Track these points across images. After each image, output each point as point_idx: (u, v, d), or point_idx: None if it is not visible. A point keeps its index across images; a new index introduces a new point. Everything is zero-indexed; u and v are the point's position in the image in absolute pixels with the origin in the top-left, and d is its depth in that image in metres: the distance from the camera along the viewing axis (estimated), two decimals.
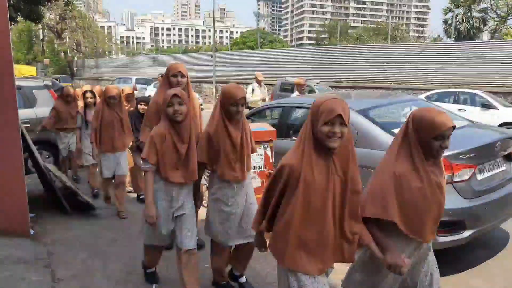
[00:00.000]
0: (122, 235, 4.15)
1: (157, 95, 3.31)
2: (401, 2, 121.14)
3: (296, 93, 8.26)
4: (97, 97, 5.71)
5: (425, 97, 12.08)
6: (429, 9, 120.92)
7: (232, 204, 2.76)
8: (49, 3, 16.89)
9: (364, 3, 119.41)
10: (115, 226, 4.38)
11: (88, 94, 5.55)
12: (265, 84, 10.12)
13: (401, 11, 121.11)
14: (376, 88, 17.90)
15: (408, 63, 18.02)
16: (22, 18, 16.53)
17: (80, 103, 5.94)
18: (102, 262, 3.51)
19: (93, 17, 46.92)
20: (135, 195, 5.49)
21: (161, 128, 2.67)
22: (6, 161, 3.50)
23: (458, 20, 32.25)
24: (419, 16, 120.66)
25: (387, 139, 3.59)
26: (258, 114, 5.58)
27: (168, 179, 2.67)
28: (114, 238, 4.06)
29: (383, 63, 18.85)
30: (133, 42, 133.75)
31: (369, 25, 65.53)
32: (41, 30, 42.07)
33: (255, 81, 9.49)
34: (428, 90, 14.10)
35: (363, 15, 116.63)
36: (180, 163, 2.66)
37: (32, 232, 3.89)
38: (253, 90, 9.45)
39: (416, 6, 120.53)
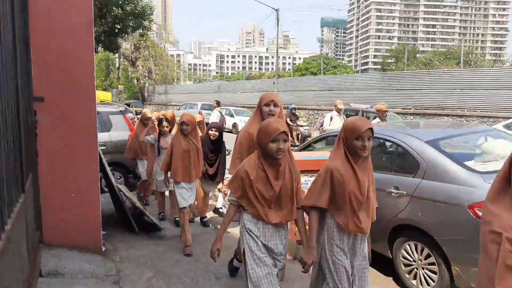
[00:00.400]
0: (186, 257, 4.26)
1: (250, 126, 3.20)
2: (475, 24, 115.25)
3: (377, 120, 7.73)
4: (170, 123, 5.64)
5: (503, 126, 11.19)
6: (508, 31, 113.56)
7: (349, 257, 2.49)
8: (126, 35, 18.33)
9: (434, 26, 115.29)
10: (179, 248, 4.52)
11: (165, 123, 5.45)
12: (330, 111, 9.88)
13: (475, 34, 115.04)
14: (448, 116, 16.93)
15: (484, 89, 16.80)
16: (102, 49, 18.06)
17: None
18: (165, 282, 3.63)
19: (164, 46, 49.97)
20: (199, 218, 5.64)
21: (252, 161, 2.45)
22: (85, 181, 3.79)
23: None
24: (496, 39, 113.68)
25: (459, 171, 3.37)
26: (319, 142, 5.53)
27: (260, 218, 2.45)
28: (178, 260, 4.19)
29: (455, 89, 17.83)
30: (199, 69, 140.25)
31: (439, 49, 62.95)
32: (117, 59, 45.64)
33: (335, 109, 9.27)
34: (507, 118, 13.07)
35: (433, 39, 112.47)
36: (274, 201, 2.43)
37: (103, 249, 4.12)
38: (331, 118, 9.08)
39: (493, 28, 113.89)
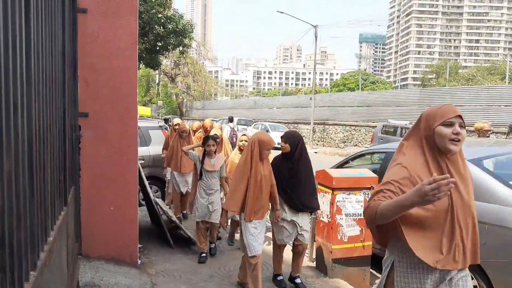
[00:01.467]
0: (219, 272, 4.27)
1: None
2: None
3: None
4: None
5: None
6: None
7: None
8: (167, 52, 18.92)
9: (477, 41, 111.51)
10: (213, 263, 4.54)
11: (211, 142, 4.58)
12: (365, 127, 9.49)
13: None
14: (492, 133, 16.19)
15: None
16: (143, 66, 18.72)
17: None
18: None
19: (203, 62, 51.24)
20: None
21: None
22: (124, 195, 3.91)
23: None
24: None
25: (504, 192, 3.21)
26: (358, 159, 5.44)
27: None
28: (211, 275, 4.20)
29: (500, 105, 17.10)
30: (236, 85, 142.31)
31: (483, 64, 60.69)
32: (157, 75, 47.20)
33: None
34: None
35: (476, 54, 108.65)
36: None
37: (139, 262, 4.20)
38: None
39: None
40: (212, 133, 5.61)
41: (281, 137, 3.96)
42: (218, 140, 4.86)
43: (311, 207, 3.88)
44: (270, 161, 3.83)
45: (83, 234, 3.79)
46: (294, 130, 5.65)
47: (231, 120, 14.66)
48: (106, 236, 3.90)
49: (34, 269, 1.55)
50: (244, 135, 5.28)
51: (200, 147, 4.85)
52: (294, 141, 3.85)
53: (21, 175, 1.37)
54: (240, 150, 5.01)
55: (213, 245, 4.89)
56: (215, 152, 4.65)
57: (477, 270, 3.25)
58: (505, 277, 3.08)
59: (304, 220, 3.88)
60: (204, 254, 4.64)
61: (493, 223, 3.17)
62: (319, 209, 3.99)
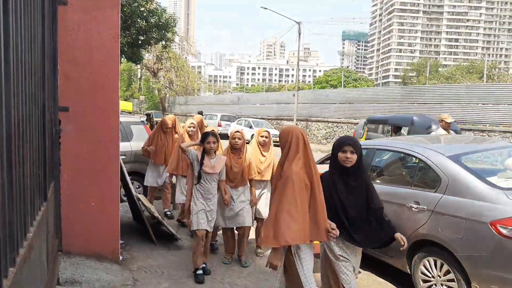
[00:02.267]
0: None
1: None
2: (499, 39, 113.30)
3: (440, 130, 7.04)
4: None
5: None
6: None
7: None
8: (149, 47, 18.71)
9: (457, 40, 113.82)
10: None
11: (211, 139, 3.97)
12: (348, 123, 9.36)
13: (498, 48, 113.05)
14: (469, 130, 16.62)
15: (507, 103, 16.51)
16: (125, 60, 18.46)
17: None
18: None
19: (186, 57, 50.78)
20: None
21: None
22: (105, 190, 3.86)
23: None
24: None
25: (481, 187, 3.31)
26: None
27: None
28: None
29: (478, 103, 17.54)
30: (220, 80, 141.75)
31: (462, 63, 62.02)
32: (139, 70, 46.59)
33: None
34: None
35: (456, 53, 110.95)
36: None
37: (121, 258, 4.16)
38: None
39: None
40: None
41: (347, 144, 2.92)
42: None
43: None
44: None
45: (63, 230, 3.74)
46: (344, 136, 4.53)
47: (200, 114, 14.64)
48: (87, 232, 3.86)
49: (13, 266, 1.53)
50: (238, 131, 4.46)
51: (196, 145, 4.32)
52: (359, 149, 2.94)
53: (0, 170, 1.34)
54: (261, 146, 4.62)
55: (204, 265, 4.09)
56: (215, 152, 4.06)
57: (454, 264, 3.34)
58: (481, 270, 3.17)
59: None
60: (201, 272, 3.94)
61: (470, 218, 3.26)
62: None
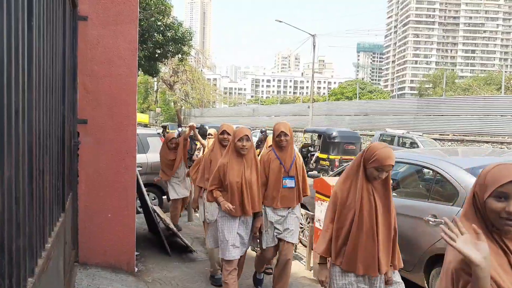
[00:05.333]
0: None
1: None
2: None
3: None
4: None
5: None
6: None
7: None
8: (166, 60, 18.97)
9: (473, 51, 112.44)
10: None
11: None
12: (363, 135, 9.53)
13: None
14: (487, 142, 16.30)
15: None
16: (142, 73, 18.74)
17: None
18: None
19: (202, 70, 51.37)
20: None
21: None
22: (122, 202, 3.90)
23: None
24: None
25: None
26: None
27: None
28: (209, 282, 4.18)
29: (496, 115, 17.22)
30: (235, 92, 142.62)
31: (479, 75, 61.13)
32: (156, 83, 47.20)
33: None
34: None
35: (472, 64, 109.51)
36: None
37: (136, 269, 4.18)
38: None
39: None
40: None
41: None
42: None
43: None
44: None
45: (80, 241, 3.78)
46: None
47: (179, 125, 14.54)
48: (103, 243, 3.89)
49: (31, 276, 1.55)
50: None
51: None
52: None
53: (21, 181, 1.37)
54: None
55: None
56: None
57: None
58: None
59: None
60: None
61: None
62: None
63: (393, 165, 2.35)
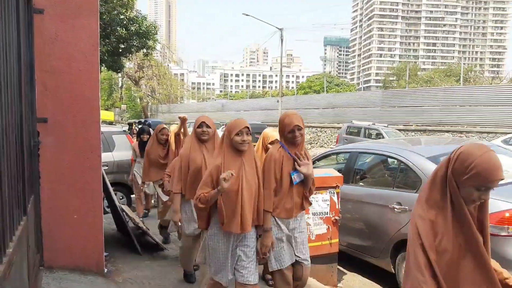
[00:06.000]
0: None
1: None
2: (474, 43, 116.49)
3: None
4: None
5: (502, 141, 11.21)
6: (506, 49, 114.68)
7: None
8: (130, 55, 18.54)
9: (434, 45, 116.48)
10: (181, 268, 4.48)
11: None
12: (331, 128, 9.74)
13: (474, 52, 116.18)
14: (448, 132, 17.01)
15: (483, 105, 17.00)
16: (105, 68, 18.25)
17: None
18: None
19: (168, 65, 50.56)
20: None
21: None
22: (88, 202, 3.79)
23: None
24: (494, 57, 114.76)
25: None
26: (324, 159, 5.55)
27: None
28: (181, 279, 4.14)
29: (456, 106, 17.98)
30: (203, 88, 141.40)
31: (440, 67, 63.39)
32: (120, 78, 46.13)
33: None
34: (505, 133, 13.10)
35: (433, 57, 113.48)
36: None
37: (105, 270, 4.08)
38: None
39: (491, 46, 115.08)
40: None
41: None
42: None
43: None
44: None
45: (45, 244, 3.65)
46: None
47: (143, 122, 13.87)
48: (70, 245, 3.77)
49: None
50: None
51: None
52: None
53: None
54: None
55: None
56: None
57: None
58: None
59: None
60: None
61: None
62: None
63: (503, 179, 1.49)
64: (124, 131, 7.58)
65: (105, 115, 24.95)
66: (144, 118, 40.84)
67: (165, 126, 5.59)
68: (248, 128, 2.68)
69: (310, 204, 3.13)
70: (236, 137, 2.65)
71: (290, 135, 2.88)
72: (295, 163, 2.87)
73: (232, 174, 2.49)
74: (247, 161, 2.71)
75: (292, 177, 2.88)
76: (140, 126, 7.87)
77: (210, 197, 2.58)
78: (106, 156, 6.63)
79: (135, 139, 6.81)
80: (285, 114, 2.98)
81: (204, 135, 3.48)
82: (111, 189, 4.97)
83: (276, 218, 2.89)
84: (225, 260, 2.71)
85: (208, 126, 3.48)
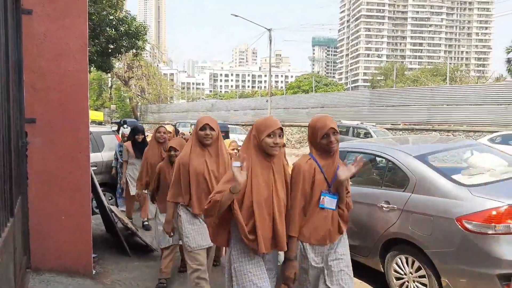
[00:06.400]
0: (178, 278, 4.21)
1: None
2: (459, 43, 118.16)
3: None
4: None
5: (488, 139, 11.42)
6: (490, 48, 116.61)
7: None
8: (119, 55, 18.39)
9: (421, 45, 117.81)
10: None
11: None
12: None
13: (460, 52, 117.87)
14: (435, 130, 17.23)
15: (469, 104, 17.26)
16: (95, 69, 18.08)
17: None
18: None
19: (158, 65, 50.25)
20: None
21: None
22: (76, 203, 3.76)
23: None
24: (480, 56, 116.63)
25: (447, 185, 3.44)
26: None
27: None
28: (171, 281, 4.13)
29: (442, 104, 18.21)
30: (193, 87, 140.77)
31: (426, 67, 64.15)
32: (110, 78, 45.70)
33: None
34: (491, 132, 13.34)
35: (420, 57, 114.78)
36: None
37: (94, 272, 4.06)
38: None
39: (476, 46, 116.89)
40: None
41: None
42: None
43: None
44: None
45: (32, 246, 3.62)
46: None
47: (125, 122, 12.90)
48: (58, 247, 3.74)
49: None
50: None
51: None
52: None
53: None
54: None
55: None
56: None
57: (424, 260, 3.45)
58: (449, 265, 3.28)
59: None
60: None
61: (437, 215, 3.37)
62: None
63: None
64: (113, 131, 7.53)
65: (95, 115, 24.72)
66: (123, 119, 40.55)
67: (163, 125, 5.33)
68: (281, 129, 2.28)
69: (347, 223, 2.56)
70: (268, 139, 2.21)
71: (324, 140, 2.39)
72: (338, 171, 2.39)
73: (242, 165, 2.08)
74: (276, 168, 2.29)
75: (322, 198, 2.40)
76: (125, 126, 7.68)
77: (221, 202, 2.10)
78: (95, 157, 6.58)
79: (124, 140, 6.67)
80: (316, 117, 2.52)
81: (208, 139, 3.06)
82: (99, 189, 4.94)
83: (305, 245, 2.43)
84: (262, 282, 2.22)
85: (212, 129, 3.06)
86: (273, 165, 2.29)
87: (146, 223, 5.99)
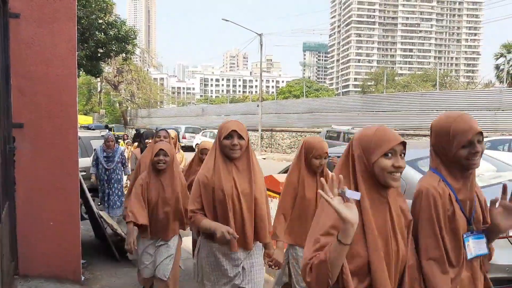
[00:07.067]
0: None
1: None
2: (449, 49, 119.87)
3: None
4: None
5: None
6: (479, 54, 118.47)
7: None
8: (109, 59, 18.32)
9: (411, 50, 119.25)
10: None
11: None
12: (311, 132, 9.85)
13: (449, 58, 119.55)
14: (425, 136, 17.38)
15: (459, 110, 17.45)
16: (84, 73, 17.99)
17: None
18: None
19: (148, 69, 50.09)
20: None
21: None
22: (65, 209, 3.73)
23: (511, 66, 31.18)
24: (469, 62, 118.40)
25: None
26: None
27: None
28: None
29: (432, 110, 18.41)
30: (183, 92, 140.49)
31: (416, 72, 64.89)
32: (99, 83, 45.44)
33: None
34: None
35: (410, 62, 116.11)
36: None
37: (83, 278, 4.01)
38: None
39: (466, 52, 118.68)
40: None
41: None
42: None
43: None
44: None
45: (20, 252, 3.57)
46: None
47: (106, 127, 12.75)
48: (46, 253, 3.69)
49: None
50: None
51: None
52: None
53: None
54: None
55: None
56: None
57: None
58: None
59: None
60: None
61: None
62: None
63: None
64: (103, 136, 7.46)
65: (84, 119, 24.55)
66: (124, 124, 40.28)
67: (164, 128, 4.60)
68: (404, 145, 1.54)
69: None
70: (385, 161, 1.48)
71: (464, 151, 1.63)
72: None
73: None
74: (394, 207, 1.58)
75: (467, 244, 1.62)
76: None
77: (330, 261, 1.27)
78: (83, 162, 6.52)
79: (129, 147, 6.43)
80: (450, 115, 1.83)
81: (235, 151, 2.29)
82: (89, 195, 4.89)
83: None
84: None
85: (240, 137, 2.30)
86: (389, 200, 1.53)
87: None
